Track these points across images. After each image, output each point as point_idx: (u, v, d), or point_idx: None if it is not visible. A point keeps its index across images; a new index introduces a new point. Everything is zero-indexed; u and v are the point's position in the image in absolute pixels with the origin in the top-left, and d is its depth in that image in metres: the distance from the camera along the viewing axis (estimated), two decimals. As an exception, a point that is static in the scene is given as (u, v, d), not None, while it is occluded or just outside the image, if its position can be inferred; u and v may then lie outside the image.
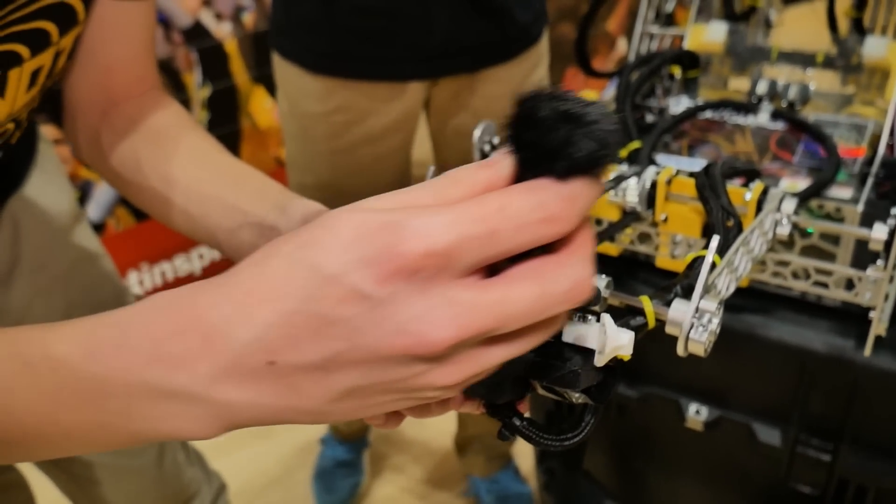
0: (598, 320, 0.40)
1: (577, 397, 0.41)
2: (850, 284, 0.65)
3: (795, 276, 0.65)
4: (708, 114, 0.97)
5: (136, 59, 0.60)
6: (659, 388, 0.96)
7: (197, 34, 2.02)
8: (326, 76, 0.96)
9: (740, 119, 0.95)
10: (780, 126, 0.93)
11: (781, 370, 0.86)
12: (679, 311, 0.42)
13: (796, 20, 1.09)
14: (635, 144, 0.89)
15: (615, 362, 0.41)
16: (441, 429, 1.54)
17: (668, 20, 1.15)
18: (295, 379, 0.28)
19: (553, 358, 0.39)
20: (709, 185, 0.57)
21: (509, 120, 0.30)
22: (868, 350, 0.67)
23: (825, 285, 0.63)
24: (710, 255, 0.41)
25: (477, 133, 0.71)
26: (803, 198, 0.71)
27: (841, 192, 0.79)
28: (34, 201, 0.73)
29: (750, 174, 0.69)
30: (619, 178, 0.64)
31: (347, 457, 1.51)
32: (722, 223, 0.52)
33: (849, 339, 0.77)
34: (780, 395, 0.87)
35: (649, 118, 1.04)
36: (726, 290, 0.49)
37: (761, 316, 0.86)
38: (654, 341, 0.97)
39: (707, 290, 0.43)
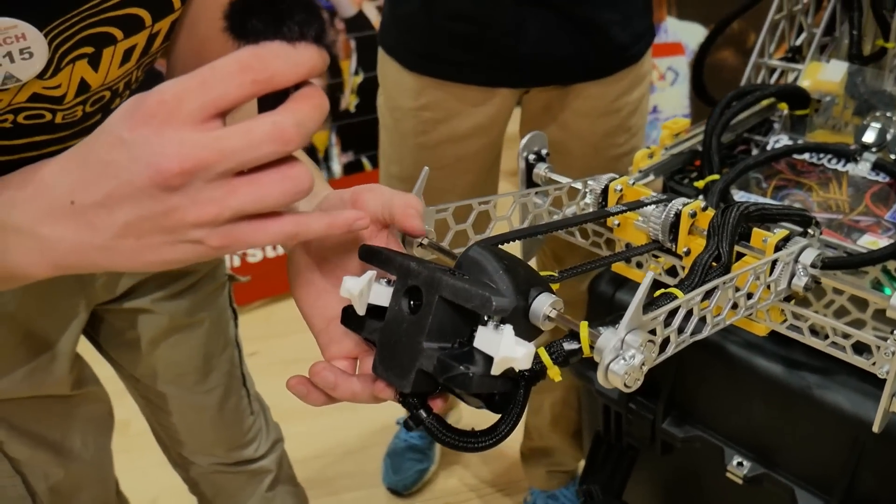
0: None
1: (476, 403, 0.43)
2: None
3: (815, 332, 0.61)
4: (806, 156, 0.92)
5: None
6: (705, 431, 0.92)
7: (358, 24, 2.14)
8: (420, 74, 1.00)
9: (840, 166, 0.89)
10: (881, 178, 0.86)
11: (833, 438, 0.80)
12: (604, 340, 0.42)
13: (934, 68, 1.00)
14: (713, 177, 0.86)
15: (520, 376, 0.42)
16: (519, 436, 1.54)
17: (796, 54, 1.09)
18: (88, 215, 0.37)
19: (460, 359, 0.41)
20: (719, 224, 0.55)
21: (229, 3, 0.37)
22: (876, 427, 0.61)
23: (844, 349, 0.59)
24: (641, 292, 0.41)
25: (523, 142, 0.72)
26: (872, 260, 0.66)
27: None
28: None
29: (801, 220, 0.65)
30: (641, 203, 0.63)
31: (420, 443, 1.56)
32: (705, 263, 0.50)
33: (911, 417, 0.70)
34: (829, 464, 0.81)
35: (755, 153, 1.00)
36: (692, 330, 0.48)
37: (821, 376, 0.81)
38: (705, 382, 0.94)
39: (642, 325, 0.42)
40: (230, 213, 0.37)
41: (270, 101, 0.37)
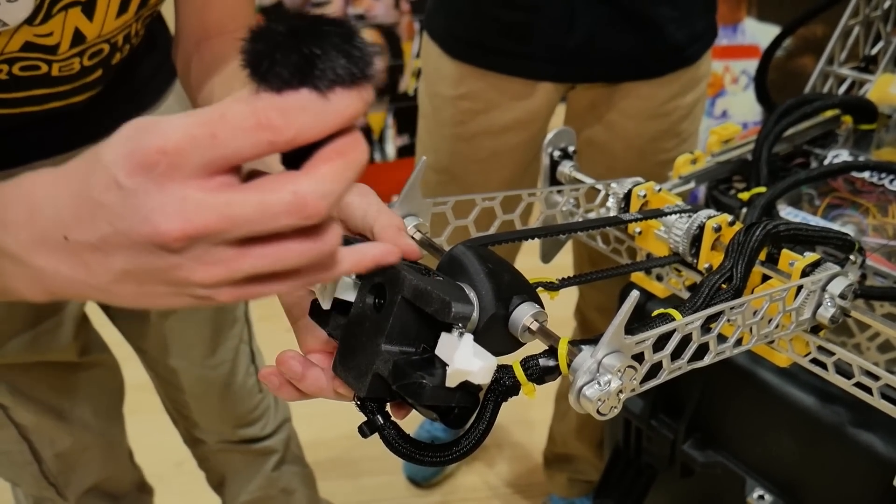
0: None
1: (430, 415, 0.39)
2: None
3: (842, 372, 0.55)
4: (867, 175, 0.85)
5: None
6: (728, 458, 0.87)
7: (424, 7, 2.10)
8: (461, 62, 0.96)
9: (902, 188, 0.82)
10: (947, 205, 0.79)
11: (864, 481, 0.75)
12: (579, 360, 0.38)
13: None
14: (759, 189, 0.81)
15: (478, 390, 0.38)
16: (545, 439, 1.50)
17: (870, 64, 1.01)
18: (84, 255, 0.32)
19: (417, 366, 0.38)
20: (739, 243, 0.50)
21: (247, 36, 0.30)
22: None
23: (869, 390, 0.53)
24: (623, 312, 0.37)
25: (549, 137, 0.68)
26: None
27: None
28: None
29: (842, 245, 0.60)
30: (659, 213, 0.58)
31: (444, 435, 1.53)
32: (713, 285, 0.46)
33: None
34: (858, 508, 0.75)
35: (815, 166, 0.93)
36: (690, 357, 0.44)
37: (858, 414, 0.75)
38: (732, 406, 0.88)
39: (624, 348, 0.38)
40: (241, 276, 0.32)
41: (295, 153, 0.31)
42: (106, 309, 0.89)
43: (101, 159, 0.31)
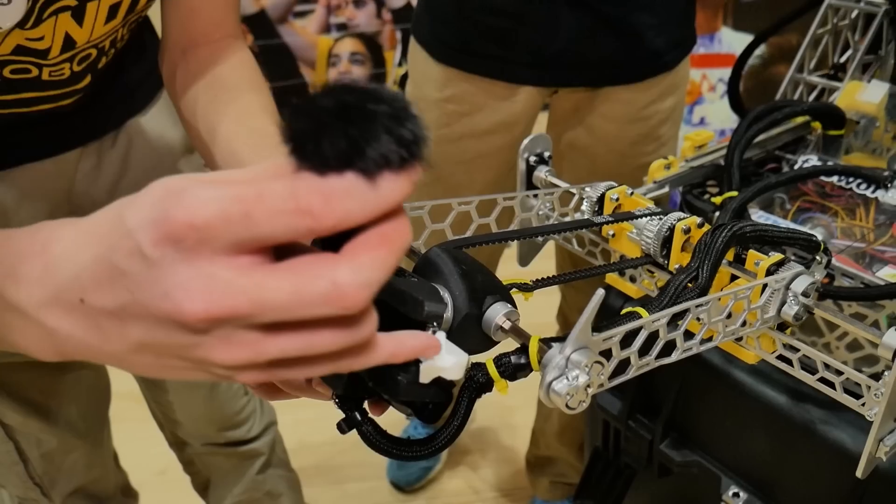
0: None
1: (405, 411, 0.41)
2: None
3: (806, 367, 0.57)
4: (835, 179, 0.87)
5: (217, 4, 0.65)
6: (704, 456, 0.89)
7: (406, 16, 2.13)
8: (447, 65, 0.98)
9: (869, 192, 0.85)
10: (911, 208, 0.81)
11: (834, 477, 0.76)
12: (549, 357, 0.39)
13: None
14: (731, 193, 0.83)
15: (452, 387, 0.40)
16: (528, 442, 1.52)
17: (839, 71, 1.04)
18: (100, 320, 0.30)
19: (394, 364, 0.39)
20: (705, 244, 0.52)
21: (291, 110, 0.28)
22: (860, 472, 0.58)
23: (833, 385, 0.55)
24: (589, 309, 0.39)
25: (525, 142, 0.70)
26: (870, 296, 0.62)
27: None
28: (149, 128, 0.82)
29: (807, 245, 0.62)
30: (630, 216, 0.60)
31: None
32: (680, 284, 0.47)
33: (918, 462, 0.66)
34: (829, 503, 0.77)
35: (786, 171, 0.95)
36: (657, 353, 0.45)
37: (829, 412, 0.76)
38: (707, 406, 0.90)
39: (591, 345, 0.40)
40: (266, 360, 0.29)
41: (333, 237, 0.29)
42: None
43: (126, 223, 0.29)
